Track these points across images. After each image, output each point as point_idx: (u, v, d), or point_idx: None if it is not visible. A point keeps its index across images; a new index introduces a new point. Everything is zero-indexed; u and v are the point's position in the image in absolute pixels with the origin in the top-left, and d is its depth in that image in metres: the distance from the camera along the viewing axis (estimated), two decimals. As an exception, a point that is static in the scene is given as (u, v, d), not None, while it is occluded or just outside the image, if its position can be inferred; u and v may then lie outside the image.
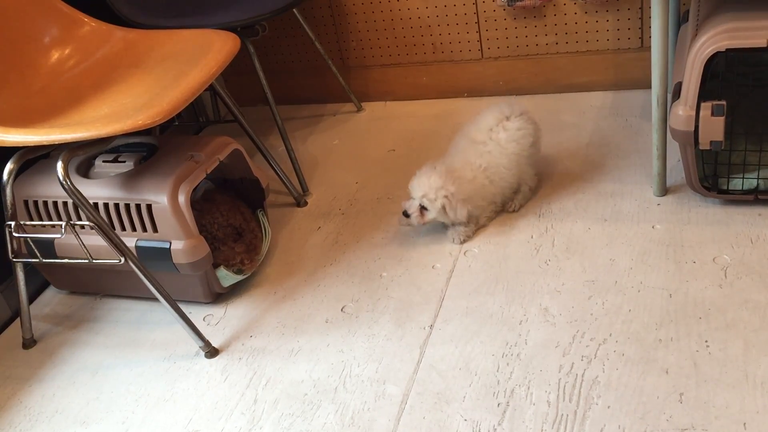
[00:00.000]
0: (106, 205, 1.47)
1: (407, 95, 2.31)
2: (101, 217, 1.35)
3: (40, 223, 1.50)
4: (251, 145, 1.78)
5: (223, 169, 1.61)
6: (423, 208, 1.56)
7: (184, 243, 1.44)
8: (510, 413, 1.18)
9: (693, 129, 1.41)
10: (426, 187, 1.54)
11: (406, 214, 1.58)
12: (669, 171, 1.66)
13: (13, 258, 1.48)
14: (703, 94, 1.39)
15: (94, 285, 1.66)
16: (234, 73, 2.40)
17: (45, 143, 1.25)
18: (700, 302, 1.32)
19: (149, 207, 1.44)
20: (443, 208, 1.54)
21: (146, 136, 1.65)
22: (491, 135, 1.59)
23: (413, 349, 1.35)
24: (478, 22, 2.12)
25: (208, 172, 1.51)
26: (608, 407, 1.15)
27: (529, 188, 1.68)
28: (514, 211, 1.66)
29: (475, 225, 1.62)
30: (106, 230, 1.34)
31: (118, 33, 1.61)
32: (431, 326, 1.39)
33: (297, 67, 2.37)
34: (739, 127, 1.55)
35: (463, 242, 1.59)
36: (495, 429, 1.16)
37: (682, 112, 1.41)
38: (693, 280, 1.37)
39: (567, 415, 1.15)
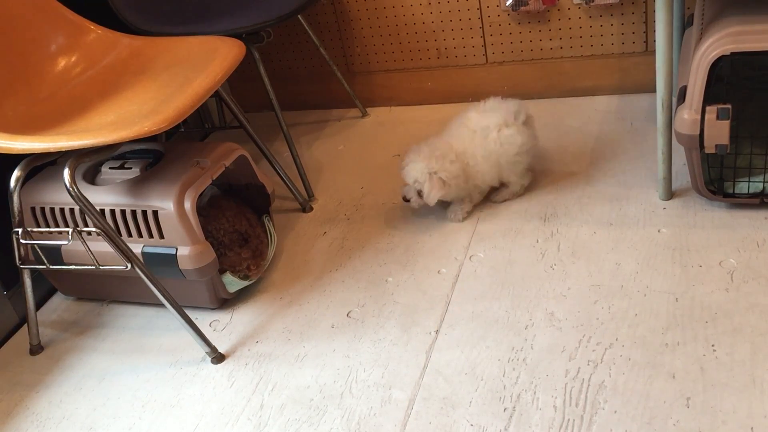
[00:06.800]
0: (112, 212, 1.48)
1: (412, 100, 2.31)
2: (108, 224, 1.36)
3: (47, 229, 1.51)
4: (257, 151, 1.78)
5: (229, 174, 1.61)
6: (420, 191, 1.64)
7: (190, 249, 1.44)
8: (516, 418, 1.18)
9: (698, 133, 1.41)
10: (416, 173, 1.62)
11: (406, 200, 1.68)
12: (674, 175, 1.66)
13: (20, 264, 1.48)
14: (708, 98, 1.38)
15: (101, 291, 1.66)
16: (239, 79, 2.41)
17: (52, 150, 1.26)
18: (706, 306, 1.31)
19: (155, 213, 1.44)
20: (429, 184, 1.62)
21: (152, 143, 1.66)
22: (484, 132, 1.66)
23: (419, 354, 1.35)
24: (482, 27, 2.12)
25: (214, 178, 1.52)
26: (615, 412, 1.15)
27: (514, 190, 1.73)
28: (494, 202, 1.73)
29: (470, 202, 1.70)
30: (112, 236, 1.35)
31: (124, 40, 1.62)
32: (437, 331, 1.39)
33: (302, 73, 2.38)
34: (744, 130, 1.54)
35: (462, 220, 1.68)
36: (501, 434, 1.16)
37: (687, 116, 1.41)
38: (699, 284, 1.37)
39: (573, 420, 1.15)
